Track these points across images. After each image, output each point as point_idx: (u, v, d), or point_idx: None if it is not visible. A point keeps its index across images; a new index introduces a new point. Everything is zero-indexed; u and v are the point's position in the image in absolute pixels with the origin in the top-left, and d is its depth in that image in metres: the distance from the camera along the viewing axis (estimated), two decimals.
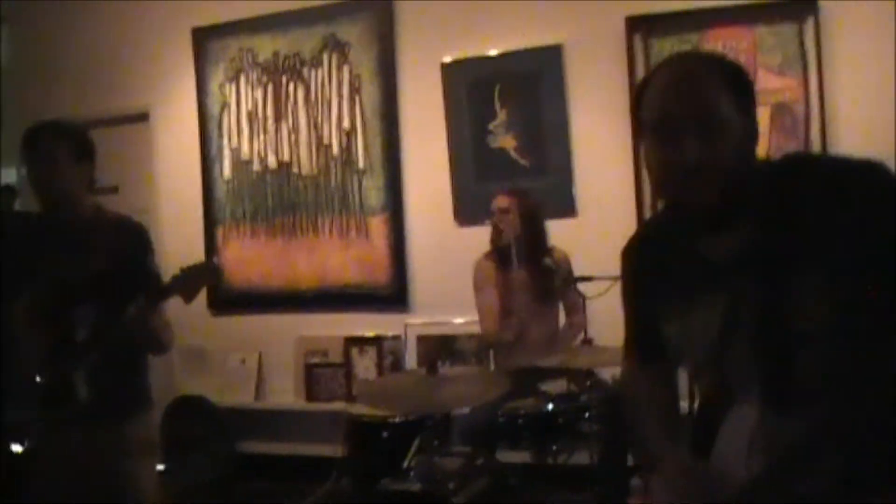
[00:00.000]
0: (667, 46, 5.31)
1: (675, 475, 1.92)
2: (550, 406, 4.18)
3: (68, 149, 3.38)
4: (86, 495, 3.12)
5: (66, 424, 3.11)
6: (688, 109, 1.79)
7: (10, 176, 7.26)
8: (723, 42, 5.16)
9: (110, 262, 3.21)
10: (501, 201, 4.88)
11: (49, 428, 3.09)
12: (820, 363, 1.74)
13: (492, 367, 5.23)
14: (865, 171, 1.77)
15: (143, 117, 6.79)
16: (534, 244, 4.83)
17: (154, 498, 3.40)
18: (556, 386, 4.37)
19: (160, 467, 5.59)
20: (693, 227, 1.89)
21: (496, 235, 4.86)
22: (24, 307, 3.13)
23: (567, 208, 5.48)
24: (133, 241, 3.38)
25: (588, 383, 4.19)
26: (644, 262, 2.09)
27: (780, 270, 1.77)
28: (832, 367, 1.74)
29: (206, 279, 3.24)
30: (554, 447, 4.14)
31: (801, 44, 5.08)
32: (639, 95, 1.90)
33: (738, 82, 1.83)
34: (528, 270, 4.77)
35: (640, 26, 5.38)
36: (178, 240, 6.26)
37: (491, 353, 5.25)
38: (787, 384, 1.77)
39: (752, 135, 1.84)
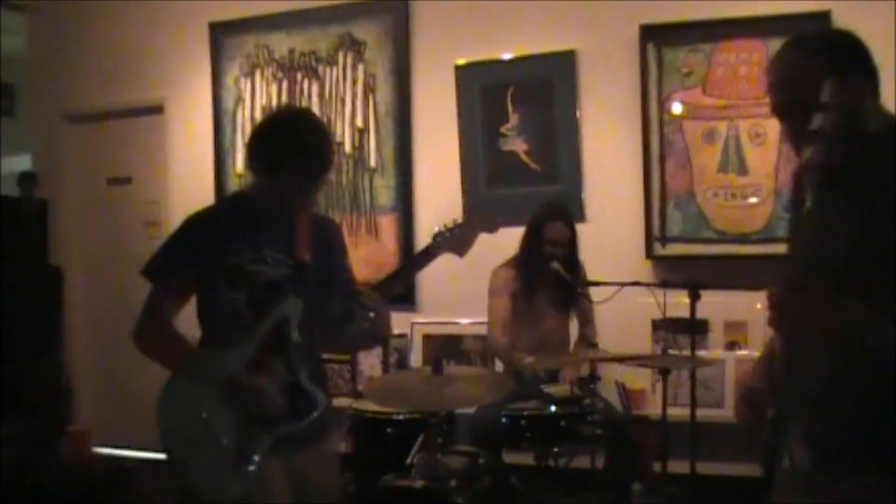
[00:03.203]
0: (679, 56, 5.34)
1: None
2: (553, 408, 4.22)
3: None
4: None
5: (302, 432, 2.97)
6: (789, 97, 2.02)
7: (25, 163, 7.33)
8: (736, 54, 5.19)
9: (315, 256, 3.08)
10: (562, 233, 4.80)
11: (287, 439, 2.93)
12: None
13: (497, 368, 5.28)
14: None
15: (158, 109, 6.84)
16: (574, 254, 4.86)
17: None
18: (560, 389, 4.42)
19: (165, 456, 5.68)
20: None
21: (552, 260, 4.75)
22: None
23: (576, 214, 5.51)
24: (330, 235, 3.27)
25: (592, 387, 4.22)
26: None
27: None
28: None
29: (485, 228, 3.18)
30: (555, 449, 4.18)
31: None
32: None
33: (842, 56, 2.00)
34: (549, 278, 4.77)
35: (654, 35, 5.40)
36: None
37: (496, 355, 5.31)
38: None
39: (867, 94, 2.00)
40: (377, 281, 3.11)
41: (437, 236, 3.10)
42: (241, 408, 2.87)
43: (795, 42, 2.14)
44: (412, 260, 3.08)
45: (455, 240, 3.10)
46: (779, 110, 2.06)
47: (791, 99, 2.01)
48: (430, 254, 3.10)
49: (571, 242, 4.85)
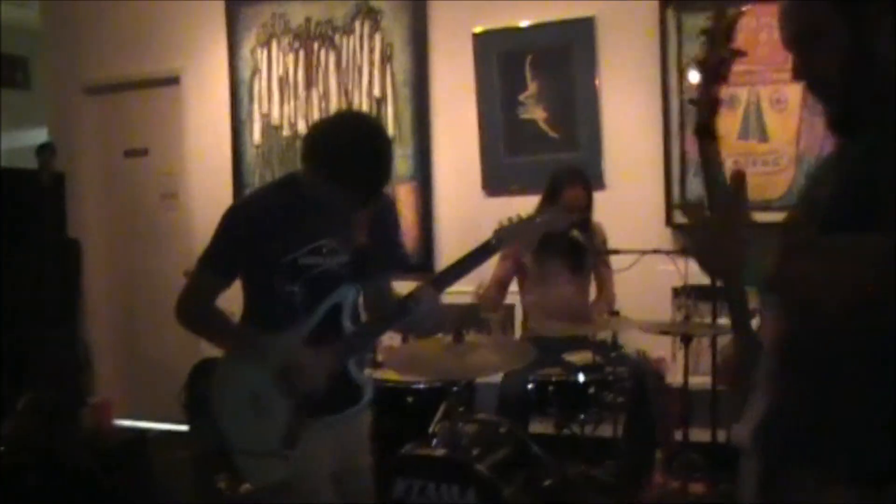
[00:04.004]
0: (700, 22, 5.23)
1: None
2: (581, 376, 4.20)
3: None
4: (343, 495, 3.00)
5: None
6: (788, 32, 1.91)
7: (41, 137, 7.32)
8: (756, 19, 5.10)
9: (371, 239, 3.02)
10: (580, 198, 4.73)
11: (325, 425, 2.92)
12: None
13: (517, 335, 5.27)
14: None
15: (174, 80, 6.82)
16: (589, 218, 4.82)
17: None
18: (581, 357, 4.40)
19: (185, 427, 5.71)
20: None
21: (576, 234, 4.72)
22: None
23: (596, 181, 5.46)
24: (387, 214, 3.20)
25: (613, 355, 4.21)
26: None
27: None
28: None
29: (551, 226, 3.12)
30: (581, 416, 4.17)
31: None
32: None
33: None
34: (566, 242, 4.72)
35: (674, 0, 5.35)
36: (206, 203, 6.28)
37: (518, 321, 5.30)
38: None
39: (863, 39, 1.84)
40: (432, 276, 3.06)
41: (499, 231, 3.00)
42: (289, 393, 2.85)
43: None
44: (470, 255, 2.97)
45: (517, 234, 3.01)
46: (787, 43, 1.94)
47: (798, 30, 1.91)
48: (489, 250, 3.00)
49: (588, 207, 4.81)
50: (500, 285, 4.86)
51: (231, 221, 2.94)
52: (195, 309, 2.97)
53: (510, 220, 3.00)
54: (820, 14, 1.85)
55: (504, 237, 2.98)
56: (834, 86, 1.87)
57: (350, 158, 2.78)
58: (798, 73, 1.92)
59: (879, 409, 1.74)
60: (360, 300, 3.07)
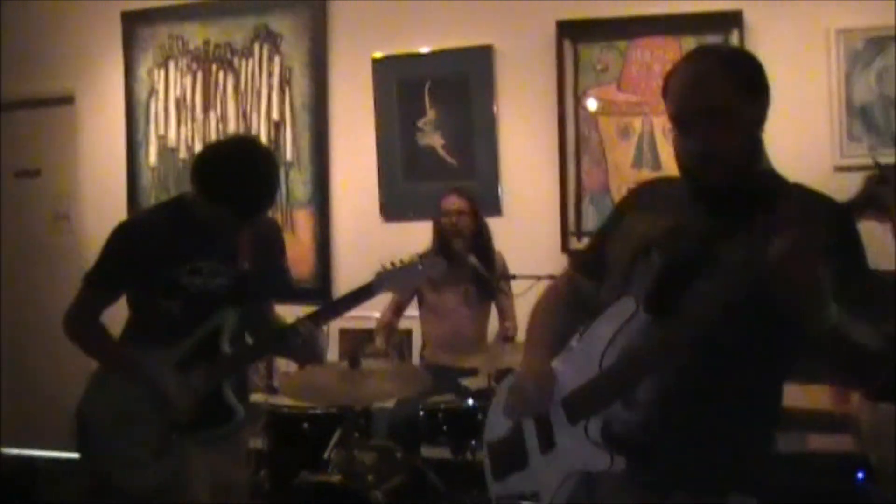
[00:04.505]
0: (595, 52, 5.40)
1: (529, 369, 2.30)
2: (470, 401, 4.23)
3: None
4: None
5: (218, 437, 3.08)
6: (700, 103, 2.01)
7: None
8: (650, 51, 5.25)
9: (254, 264, 3.12)
10: (457, 203, 4.89)
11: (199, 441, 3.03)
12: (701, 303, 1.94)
13: (414, 362, 5.28)
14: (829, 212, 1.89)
15: (68, 100, 6.68)
16: (486, 245, 4.89)
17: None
18: (477, 382, 4.43)
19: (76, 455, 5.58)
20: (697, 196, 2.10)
21: (452, 236, 4.86)
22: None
23: (493, 208, 5.53)
24: (272, 239, 3.31)
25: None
26: (642, 194, 2.35)
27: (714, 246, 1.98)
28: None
29: (429, 273, 3.20)
30: (472, 443, 4.19)
31: None
32: (664, 88, 2.11)
33: (750, 75, 2.04)
34: (465, 270, 4.81)
35: (570, 31, 5.45)
36: (100, 226, 6.12)
37: (416, 347, 5.33)
38: (669, 300, 2.00)
39: (759, 122, 2.05)
40: (312, 311, 3.13)
41: (381, 274, 3.11)
42: (161, 407, 2.94)
43: (706, 53, 2.21)
44: (350, 295, 3.12)
45: (398, 279, 3.13)
46: (684, 117, 2.05)
47: (700, 107, 2.01)
48: (369, 292, 3.11)
49: (479, 232, 4.90)
50: (396, 309, 4.92)
51: (116, 238, 3.03)
52: (80, 322, 3.06)
53: (392, 264, 3.12)
54: (731, 93, 1.99)
55: (383, 281, 3.10)
56: (730, 161, 1.99)
57: (230, 179, 2.87)
58: (696, 144, 2.00)
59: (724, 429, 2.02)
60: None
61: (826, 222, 1.77)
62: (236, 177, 2.87)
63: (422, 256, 3.19)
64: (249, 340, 3.21)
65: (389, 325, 4.97)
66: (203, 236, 2.99)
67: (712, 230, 2.00)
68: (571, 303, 2.42)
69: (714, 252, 1.97)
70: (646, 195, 2.33)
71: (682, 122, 2.05)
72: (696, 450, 2.03)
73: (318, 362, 3.42)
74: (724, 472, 2.05)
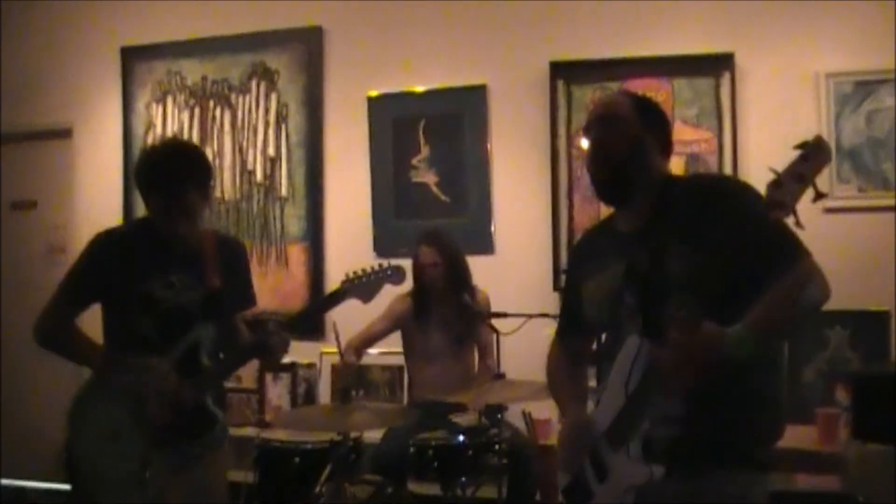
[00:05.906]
0: (588, 93, 5.46)
1: (567, 425, 2.68)
2: (461, 438, 4.24)
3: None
4: None
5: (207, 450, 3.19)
6: (598, 112, 2.61)
7: None
8: (642, 92, 5.29)
9: (222, 279, 3.23)
10: (427, 255, 4.92)
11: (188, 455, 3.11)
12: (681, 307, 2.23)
13: (404, 399, 5.31)
14: (725, 189, 2.50)
15: (66, 133, 6.74)
16: (458, 286, 4.92)
17: None
18: (467, 419, 4.45)
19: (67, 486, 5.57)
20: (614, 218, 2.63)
21: (427, 285, 4.92)
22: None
23: (485, 246, 5.58)
24: (236, 254, 3.44)
25: (499, 416, 4.26)
26: (579, 248, 2.96)
27: (663, 245, 2.37)
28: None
29: (389, 281, 3.35)
30: (462, 479, 4.20)
31: (717, 97, 5.27)
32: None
33: (644, 109, 2.56)
34: (448, 311, 4.86)
35: (564, 72, 5.52)
36: None
37: (406, 386, 5.35)
38: (660, 319, 2.29)
39: (654, 145, 2.52)
40: (285, 318, 3.31)
41: (345, 282, 3.28)
42: (145, 416, 3.00)
43: (619, 97, 2.93)
44: (319, 302, 3.35)
45: (362, 287, 3.29)
46: (587, 126, 2.60)
47: (599, 115, 2.58)
48: (336, 298, 3.30)
49: (451, 263, 4.92)
50: (367, 339, 4.96)
51: (90, 250, 3.16)
52: (50, 329, 3.13)
53: (355, 273, 3.30)
54: (624, 107, 2.56)
55: (349, 287, 3.28)
56: (615, 158, 2.48)
57: (146, 174, 3.14)
58: (591, 147, 2.56)
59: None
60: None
61: (703, 193, 2.40)
62: (151, 172, 3.10)
63: (383, 266, 3.35)
64: (221, 354, 3.29)
65: (356, 350, 4.98)
66: (168, 250, 3.13)
67: (634, 245, 2.45)
68: (571, 360, 2.89)
69: (645, 260, 2.40)
70: (583, 247, 2.86)
71: (585, 131, 2.61)
72: (716, 438, 2.33)
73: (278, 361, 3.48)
74: (742, 453, 2.37)
